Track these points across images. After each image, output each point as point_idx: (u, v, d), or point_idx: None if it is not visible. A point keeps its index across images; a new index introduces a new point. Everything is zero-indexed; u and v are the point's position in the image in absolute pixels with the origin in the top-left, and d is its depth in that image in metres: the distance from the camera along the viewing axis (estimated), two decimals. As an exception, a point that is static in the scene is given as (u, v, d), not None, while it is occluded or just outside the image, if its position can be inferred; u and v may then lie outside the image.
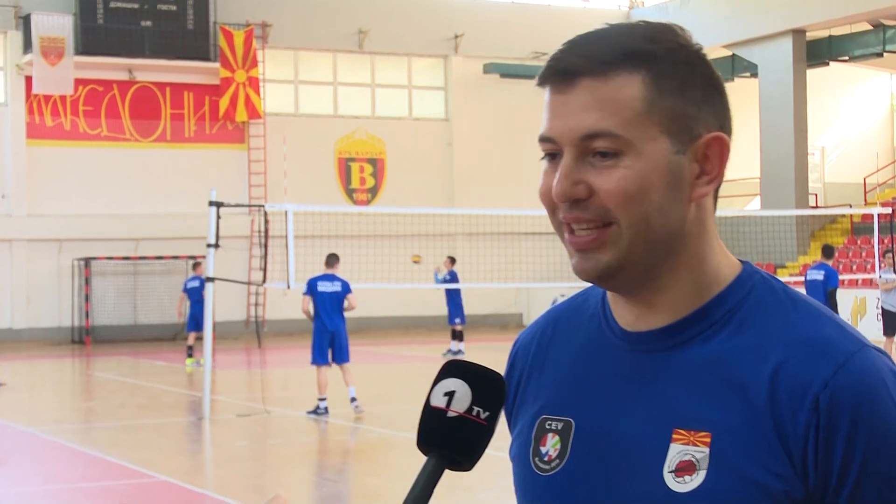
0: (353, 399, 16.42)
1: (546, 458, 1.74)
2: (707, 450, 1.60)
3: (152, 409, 19.19)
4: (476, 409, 1.46)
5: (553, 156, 1.66)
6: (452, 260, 19.27)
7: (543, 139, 1.66)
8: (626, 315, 1.73)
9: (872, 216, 24.96)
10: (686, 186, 1.65)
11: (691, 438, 1.62)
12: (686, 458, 1.61)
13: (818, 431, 1.55)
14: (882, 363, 1.61)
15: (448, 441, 1.46)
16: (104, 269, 33.49)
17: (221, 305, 18.64)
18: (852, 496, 1.56)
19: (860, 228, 33.64)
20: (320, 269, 17.93)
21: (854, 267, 30.12)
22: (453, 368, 1.50)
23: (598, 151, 1.60)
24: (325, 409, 16.24)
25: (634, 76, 1.61)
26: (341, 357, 16.70)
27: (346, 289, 16.99)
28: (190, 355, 25.13)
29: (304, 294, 17.08)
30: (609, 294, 1.78)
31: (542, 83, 1.67)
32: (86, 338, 32.71)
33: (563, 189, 1.62)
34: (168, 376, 23.52)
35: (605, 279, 1.67)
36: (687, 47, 1.67)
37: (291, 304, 30.89)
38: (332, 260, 17.46)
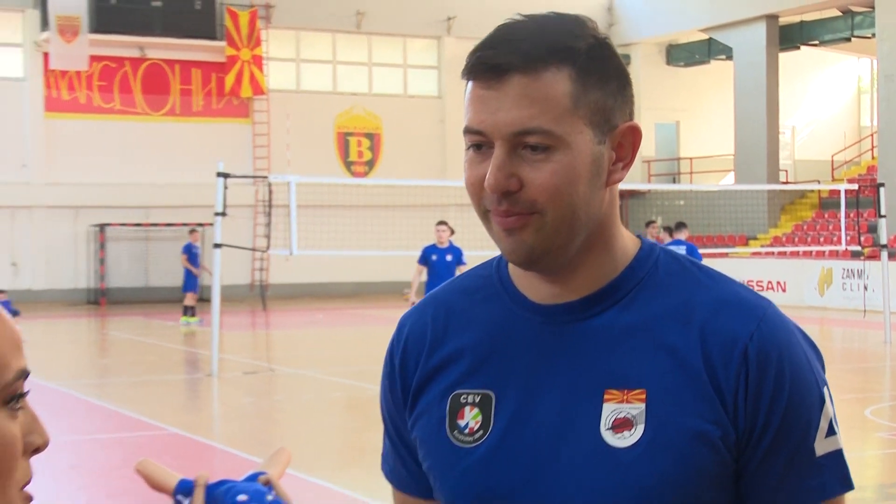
0: None
1: (467, 431, 1.71)
2: (643, 405, 1.61)
3: (163, 366, 19.15)
4: None
5: (479, 147, 1.64)
6: (451, 231, 18.91)
7: (472, 132, 1.64)
8: (540, 292, 1.71)
9: (839, 192, 24.86)
10: (604, 173, 1.64)
11: (625, 397, 1.62)
12: (621, 415, 1.62)
13: (748, 379, 1.59)
14: (785, 317, 1.67)
15: None
16: (118, 235, 33.43)
17: (227, 270, 18.62)
18: (778, 430, 1.60)
19: (827, 203, 33.56)
20: (321, 238, 17.92)
21: (822, 239, 30.02)
22: None
23: (528, 146, 1.59)
24: None
25: (562, 72, 1.59)
26: None
27: (459, 258, 16.78)
28: (185, 314, 25.15)
29: (419, 263, 16.87)
30: (515, 272, 1.75)
31: (469, 76, 1.64)
32: (101, 299, 32.74)
33: (497, 181, 1.59)
34: (177, 336, 23.49)
35: (532, 262, 1.65)
36: (603, 41, 1.65)
37: (294, 269, 31.04)
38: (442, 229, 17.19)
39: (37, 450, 1.09)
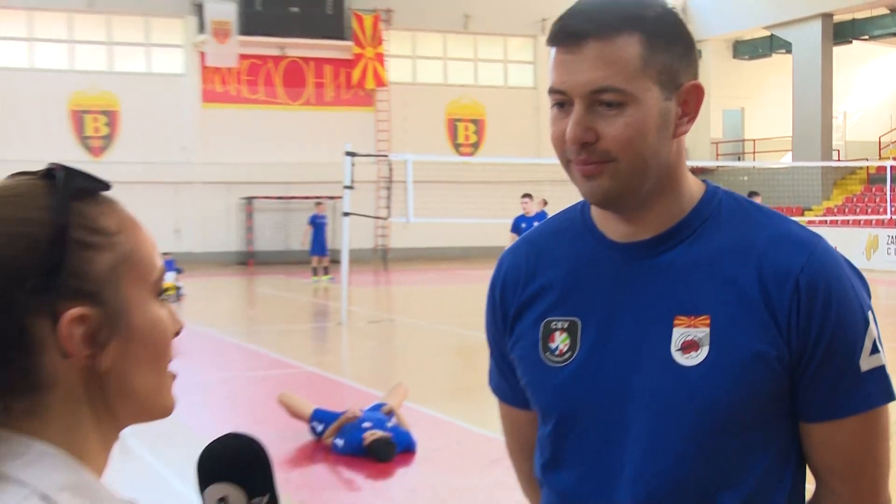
0: None
1: (557, 353, 1.71)
2: (707, 329, 1.61)
3: (301, 316, 19.48)
4: (255, 500, 1.17)
5: (561, 105, 1.63)
6: (545, 202, 18.30)
7: (554, 91, 1.63)
8: (618, 231, 1.71)
9: (886, 168, 24.48)
10: (671, 126, 1.63)
11: (692, 322, 1.62)
12: (689, 338, 1.61)
13: (799, 305, 1.58)
14: (834, 250, 1.66)
15: None
16: (262, 206, 33.74)
17: (354, 236, 18.76)
18: (827, 349, 1.59)
19: (875, 178, 32.84)
20: (433, 208, 17.95)
21: (869, 210, 29.60)
22: (213, 470, 1.18)
23: (604, 102, 1.58)
24: None
25: (633, 37, 1.58)
26: None
27: None
28: (314, 274, 25.39)
29: (511, 231, 16.55)
30: (596, 215, 1.75)
31: (552, 43, 1.63)
32: (248, 260, 33.09)
33: (576, 134, 1.58)
34: (313, 291, 23.80)
35: (608, 203, 1.66)
36: (669, 10, 1.65)
37: (410, 235, 31.19)
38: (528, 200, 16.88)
39: (176, 333, 1.12)
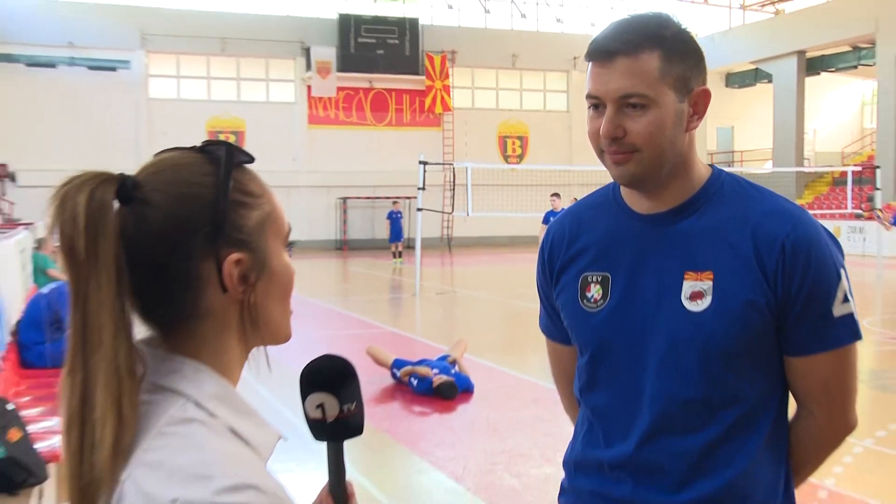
0: None
1: (592, 301, 1.72)
2: (711, 282, 1.62)
3: (382, 288, 19.56)
4: (346, 407, 1.18)
5: (596, 107, 1.63)
6: (575, 199, 17.88)
7: (591, 96, 1.63)
8: (641, 205, 1.71)
9: (847, 173, 24.09)
10: (684, 123, 1.63)
11: (698, 277, 1.63)
12: (696, 289, 1.62)
13: (784, 263, 1.60)
14: (816, 221, 1.66)
15: (337, 435, 1.20)
16: (354, 205, 33.83)
17: (425, 227, 18.85)
18: (807, 298, 1.61)
19: (838, 181, 32.27)
20: (487, 205, 17.96)
21: (833, 206, 29.24)
22: (313, 382, 1.19)
23: (630, 104, 1.59)
24: None
25: (654, 53, 1.58)
26: None
27: None
28: (394, 256, 25.70)
29: (542, 223, 16.14)
30: (624, 193, 1.75)
31: (589, 59, 1.63)
32: (343, 247, 33.22)
33: (608, 131, 1.60)
34: (392, 270, 23.87)
35: (633, 183, 1.67)
36: (683, 30, 1.64)
37: (469, 226, 31.16)
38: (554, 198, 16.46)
39: None
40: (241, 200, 1.06)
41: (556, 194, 16.59)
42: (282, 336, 1.12)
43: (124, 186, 1.01)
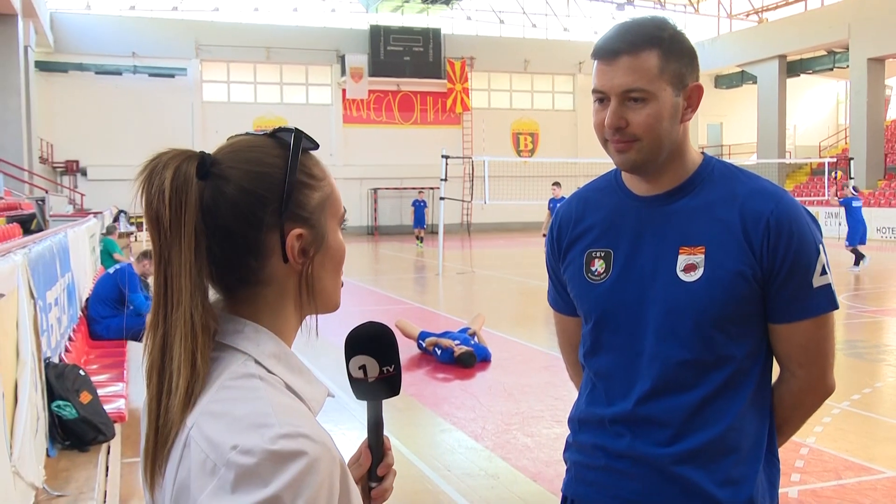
0: None
1: (596, 274, 1.71)
2: (702, 256, 1.61)
3: (409, 269, 19.52)
4: (385, 368, 1.17)
5: (601, 100, 1.62)
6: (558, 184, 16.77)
7: (596, 91, 1.62)
8: (640, 187, 1.70)
9: (824, 164, 23.90)
10: (679, 115, 1.62)
11: (692, 251, 1.62)
12: (690, 262, 1.61)
13: (769, 239, 1.58)
14: (795, 200, 1.64)
15: (376, 394, 1.17)
16: (384, 195, 33.80)
17: (447, 214, 18.81)
18: (790, 270, 1.59)
19: (816, 171, 32.06)
20: (502, 194, 17.93)
21: (812, 194, 28.89)
22: (357, 346, 1.17)
23: (632, 98, 1.58)
24: None
25: (653, 52, 1.57)
26: None
27: None
28: (418, 239, 25.74)
29: (548, 209, 15.67)
30: (625, 177, 1.74)
31: (595, 57, 1.62)
32: (375, 232, 33.29)
33: (612, 122, 1.59)
34: (417, 252, 23.90)
35: (634, 169, 1.66)
36: (679, 32, 1.62)
37: (487, 213, 31.11)
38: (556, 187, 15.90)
39: None
40: (305, 182, 1.06)
41: (557, 183, 16.32)
42: (332, 304, 1.11)
43: (204, 163, 1.01)
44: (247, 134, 1.09)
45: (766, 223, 1.59)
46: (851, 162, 21.47)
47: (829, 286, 1.63)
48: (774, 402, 1.70)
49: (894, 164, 30.84)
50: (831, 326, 1.66)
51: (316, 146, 1.10)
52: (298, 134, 1.07)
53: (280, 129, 1.07)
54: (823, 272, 1.62)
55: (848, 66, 30.78)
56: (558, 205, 17.40)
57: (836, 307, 1.65)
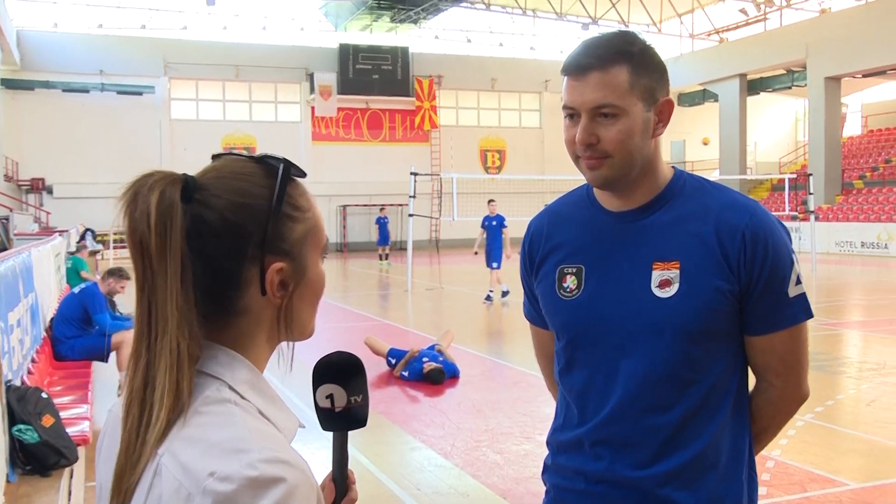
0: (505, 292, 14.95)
1: (568, 290, 1.67)
2: (677, 271, 1.57)
3: (378, 286, 19.44)
4: (352, 398, 1.14)
5: (572, 116, 1.58)
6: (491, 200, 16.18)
7: (567, 107, 1.59)
8: (613, 203, 1.67)
9: (784, 180, 24.24)
10: (651, 130, 1.60)
11: (666, 266, 1.58)
12: (664, 277, 1.58)
13: (745, 251, 1.56)
14: (768, 211, 1.63)
15: (343, 425, 1.15)
16: (353, 212, 33.64)
17: (415, 230, 18.76)
18: (767, 282, 1.56)
19: (777, 187, 32.62)
20: (470, 211, 17.87)
21: (772, 209, 29.26)
22: (325, 375, 1.15)
23: (603, 114, 1.55)
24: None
25: (623, 68, 1.54)
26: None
27: (501, 222, 15.26)
28: (382, 258, 25.18)
29: (481, 227, 15.54)
30: (597, 193, 1.71)
31: (565, 73, 1.58)
32: (344, 248, 33.14)
33: (583, 138, 1.56)
34: (385, 270, 23.83)
35: (606, 185, 1.62)
36: (649, 47, 1.61)
37: (455, 229, 31.11)
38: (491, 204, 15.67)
39: None
40: (290, 214, 1.03)
41: (492, 200, 16.00)
42: (307, 333, 1.09)
43: (187, 187, 0.98)
44: (232, 155, 1.05)
45: (741, 236, 1.56)
46: (810, 178, 21.79)
47: (803, 295, 1.62)
48: (752, 413, 1.68)
49: (851, 179, 31.41)
50: (806, 334, 1.65)
51: (303, 175, 1.06)
52: (287, 165, 1.03)
53: (268, 157, 1.04)
54: (798, 282, 1.60)
55: (806, 85, 31.30)
56: (493, 222, 16.52)
57: (811, 315, 1.64)
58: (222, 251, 0.98)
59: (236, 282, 1.00)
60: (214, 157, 1.06)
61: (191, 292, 0.97)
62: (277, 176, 1.02)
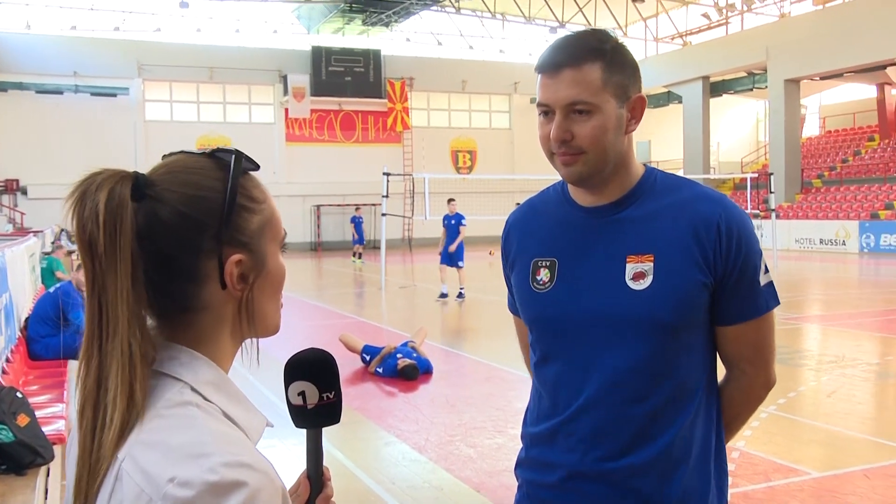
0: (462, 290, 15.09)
1: (541, 283, 1.67)
2: (651, 264, 1.57)
3: (352, 284, 19.35)
4: (324, 395, 1.11)
5: (546, 114, 1.58)
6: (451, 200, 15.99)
7: (541, 104, 1.58)
8: (585, 198, 1.67)
9: (746, 179, 24.50)
10: (624, 126, 1.60)
11: (640, 259, 1.58)
12: (638, 270, 1.57)
13: (720, 244, 1.56)
14: (735, 203, 1.64)
15: (316, 422, 1.12)
16: (327, 211, 33.50)
17: (388, 229, 18.72)
18: (740, 272, 1.58)
19: (739, 186, 32.90)
20: (443, 210, 17.85)
21: (735, 207, 29.78)
22: (296, 372, 1.12)
23: (577, 111, 1.55)
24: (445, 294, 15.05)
25: (596, 65, 1.54)
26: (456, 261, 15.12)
27: (460, 220, 15.45)
28: (356, 256, 24.96)
29: (443, 226, 15.58)
30: (571, 189, 1.70)
31: (539, 71, 1.58)
32: (318, 248, 33.01)
33: (558, 135, 1.56)
34: (359, 268, 23.76)
35: (580, 181, 1.62)
36: (621, 45, 1.60)
37: (427, 228, 31.04)
38: (451, 203, 15.75)
39: None
40: (245, 205, 1.00)
41: (452, 199, 15.98)
42: (272, 328, 1.06)
43: (138, 184, 0.95)
44: (183, 153, 1.02)
45: (717, 228, 1.56)
46: (771, 177, 22.02)
47: (771, 283, 1.64)
48: (724, 402, 1.68)
49: (810, 178, 31.85)
50: (773, 321, 1.66)
51: (256, 167, 1.04)
52: (239, 155, 1.01)
53: (219, 150, 1.02)
54: (766, 270, 1.62)
55: (766, 87, 31.67)
56: (451, 221, 16.49)
57: (779, 303, 1.66)
58: (178, 246, 0.96)
59: (194, 276, 0.97)
60: (165, 156, 1.03)
61: (142, 292, 0.94)
62: (230, 168, 1.00)
